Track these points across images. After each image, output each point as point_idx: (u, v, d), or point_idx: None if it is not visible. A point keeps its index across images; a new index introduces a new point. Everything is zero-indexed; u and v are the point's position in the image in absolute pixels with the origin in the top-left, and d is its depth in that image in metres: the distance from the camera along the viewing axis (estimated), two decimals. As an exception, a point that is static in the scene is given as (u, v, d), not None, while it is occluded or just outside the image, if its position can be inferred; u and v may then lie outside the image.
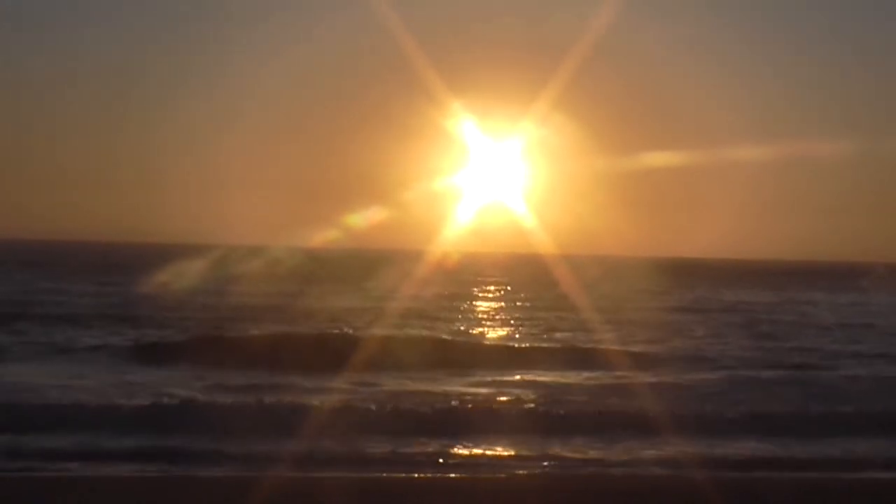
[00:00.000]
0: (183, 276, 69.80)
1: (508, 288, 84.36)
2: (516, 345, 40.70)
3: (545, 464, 19.30)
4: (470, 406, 24.91)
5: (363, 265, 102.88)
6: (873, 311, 63.72)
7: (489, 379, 29.94)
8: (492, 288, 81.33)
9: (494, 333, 45.38)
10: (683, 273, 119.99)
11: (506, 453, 20.31)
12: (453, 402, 25.34)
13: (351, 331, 39.85)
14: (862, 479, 18.21)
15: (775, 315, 59.20)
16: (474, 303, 65.99)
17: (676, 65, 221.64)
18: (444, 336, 41.15)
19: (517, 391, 27.75)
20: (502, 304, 65.74)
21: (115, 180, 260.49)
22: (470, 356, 34.44)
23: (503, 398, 26.53)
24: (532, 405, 25.18)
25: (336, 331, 39.97)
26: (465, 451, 20.28)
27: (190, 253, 76.56)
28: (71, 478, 17.13)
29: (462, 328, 46.99)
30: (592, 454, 20.19)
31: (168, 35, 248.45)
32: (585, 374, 30.98)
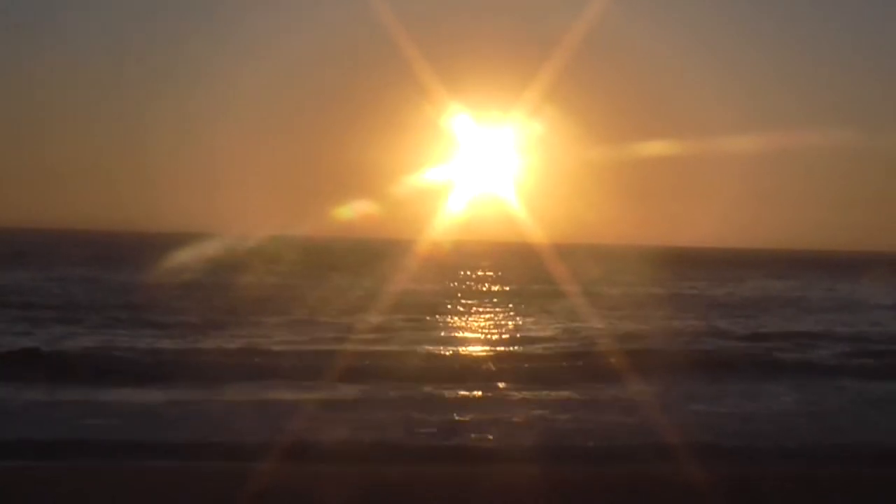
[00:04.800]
0: (172, 266, 69.46)
1: (500, 281, 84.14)
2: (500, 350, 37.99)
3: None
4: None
5: (354, 256, 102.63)
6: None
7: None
8: (485, 285, 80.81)
9: (481, 335, 44.41)
10: (686, 263, 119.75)
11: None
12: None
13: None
14: (861, 473, 18.16)
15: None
16: (465, 297, 65.71)
17: (671, 55, 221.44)
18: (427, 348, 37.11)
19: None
20: (493, 298, 65.47)
21: (108, 171, 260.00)
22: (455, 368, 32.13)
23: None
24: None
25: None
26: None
27: (181, 242, 76.13)
28: (67, 470, 17.07)
29: (450, 324, 46.68)
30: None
31: (161, 27, 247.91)
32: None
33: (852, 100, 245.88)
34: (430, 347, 35.64)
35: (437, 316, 48.24)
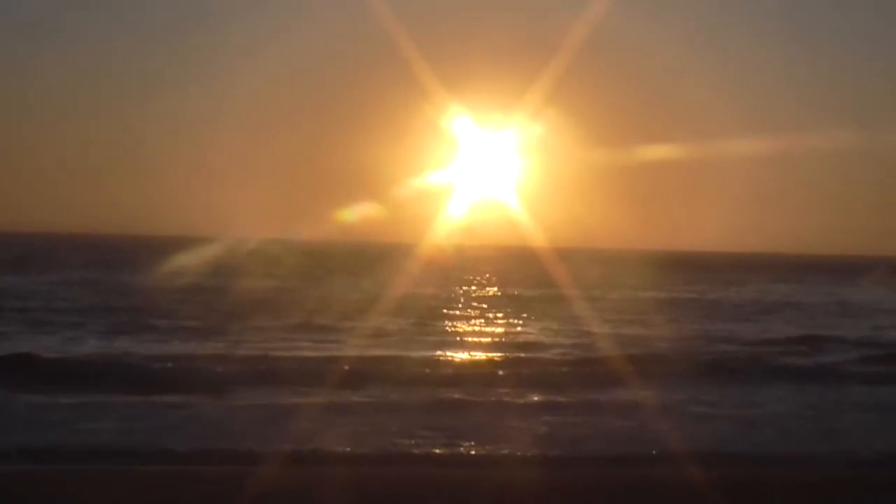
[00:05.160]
0: (172, 270, 69.24)
1: (503, 285, 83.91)
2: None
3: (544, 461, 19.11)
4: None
5: (356, 260, 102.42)
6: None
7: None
8: (488, 289, 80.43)
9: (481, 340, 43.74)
10: (689, 267, 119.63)
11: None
12: None
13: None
14: (862, 474, 18.04)
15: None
16: (468, 301, 65.48)
17: (673, 57, 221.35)
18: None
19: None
20: (496, 303, 65.25)
21: (107, 174, 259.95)
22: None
23: None
24: None
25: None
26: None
27: (181, 246, 75.89)
28: (67, 472, 17.03)
29: (453, 329, 46.35)
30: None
31: (161, 26, 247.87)
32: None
33: (855, 103, 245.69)
34: (432, 353, 35.40)
35: (440, 321, 48.01)
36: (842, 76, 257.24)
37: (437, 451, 19.71)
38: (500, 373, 31.14)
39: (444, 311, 53.79)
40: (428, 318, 47.74)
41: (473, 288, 77.06)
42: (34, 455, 18.40)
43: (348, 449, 19.34)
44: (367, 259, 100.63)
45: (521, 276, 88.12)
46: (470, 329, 46.06)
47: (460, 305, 58.89)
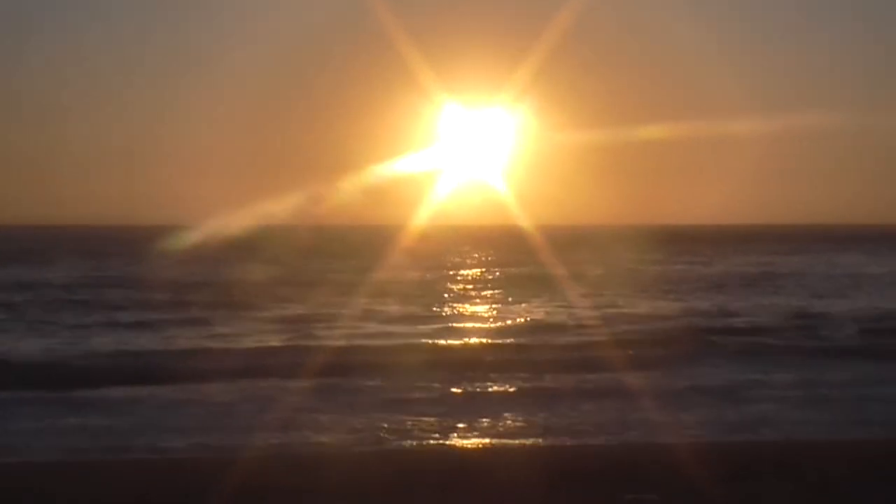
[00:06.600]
0: (162, 259, 69.19)
1: (496, 266, 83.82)
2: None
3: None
4: None
5: (342, 244, 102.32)
6: None
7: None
8: (481, 270, 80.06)
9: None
10: (691, 240, 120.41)
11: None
12: None
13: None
14: (846, 442, 18.00)
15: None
16: (465, 284, 65.40)
17: (668, 37, 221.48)
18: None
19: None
20: (489, 285, 65.13)
21: (92, 165, 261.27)
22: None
23: None
24: None
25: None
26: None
27: (169, 234, 75.56)
28: (61, 464, 17.02)
29: (459, 313, 45.89)
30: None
31: (144, 19, 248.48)
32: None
33: (854, 84, 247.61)
34: (432, 340, 35.06)
35: (438, 305, 47.77)
36: (840, 58, 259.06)
37: (438, 439, 19.44)
38: (495, 358, 30.88)
39: (442, 294, 53.64)
40: (424, 301, 47.62)
41: (466, 272, 76.55)
42: (15, 449, 18.34)
43: (339, 441, 19.09)
44: (355, 243, 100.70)
45: (520, 255, 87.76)
46: (474, 312, 45.75)
47: (458, 288, 58.68)
